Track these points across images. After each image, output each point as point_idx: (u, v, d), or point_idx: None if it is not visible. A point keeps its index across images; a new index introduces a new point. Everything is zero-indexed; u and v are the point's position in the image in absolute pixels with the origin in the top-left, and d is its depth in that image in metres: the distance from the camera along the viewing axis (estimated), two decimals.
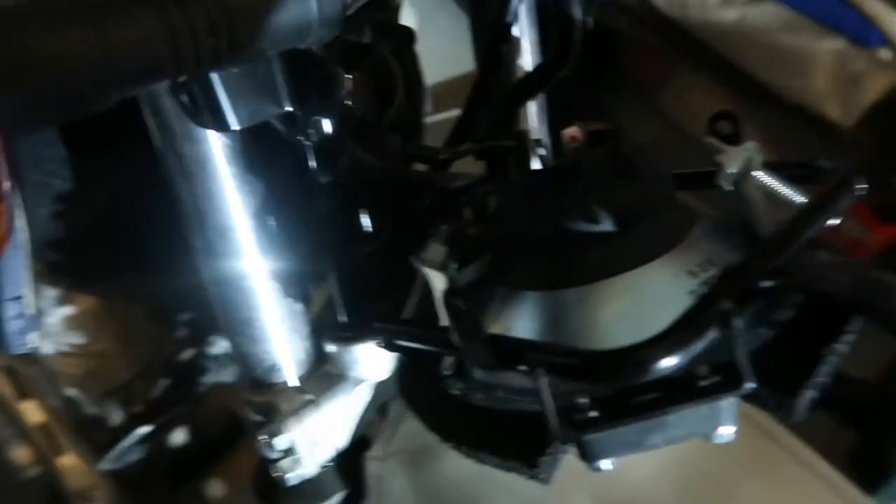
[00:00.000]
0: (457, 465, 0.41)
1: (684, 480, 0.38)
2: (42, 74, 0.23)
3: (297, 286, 0.44)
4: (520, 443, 0.32)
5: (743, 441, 0.40)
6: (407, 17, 0.58)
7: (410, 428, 0.44)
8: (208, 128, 0.37)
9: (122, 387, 0.72)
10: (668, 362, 0.27)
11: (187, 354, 0.72)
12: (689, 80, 1.33)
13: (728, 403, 0.28)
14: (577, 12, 0.42)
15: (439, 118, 0.79)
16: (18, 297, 0.46)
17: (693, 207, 0.38)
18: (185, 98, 0.34)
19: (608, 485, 0.39)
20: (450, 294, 0.32)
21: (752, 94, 1.22)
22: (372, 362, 0.44)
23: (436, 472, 0.41)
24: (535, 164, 0.49)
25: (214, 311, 0.49)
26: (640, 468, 0.38)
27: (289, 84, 0.34)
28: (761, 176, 0.36)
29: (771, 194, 0.37)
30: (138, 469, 0.80)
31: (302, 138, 0.37)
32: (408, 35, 0.37)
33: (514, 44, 0.50)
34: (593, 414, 0.28)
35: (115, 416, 0.73)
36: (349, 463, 0.46)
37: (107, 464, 0.72)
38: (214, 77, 0.32)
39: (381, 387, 0.45)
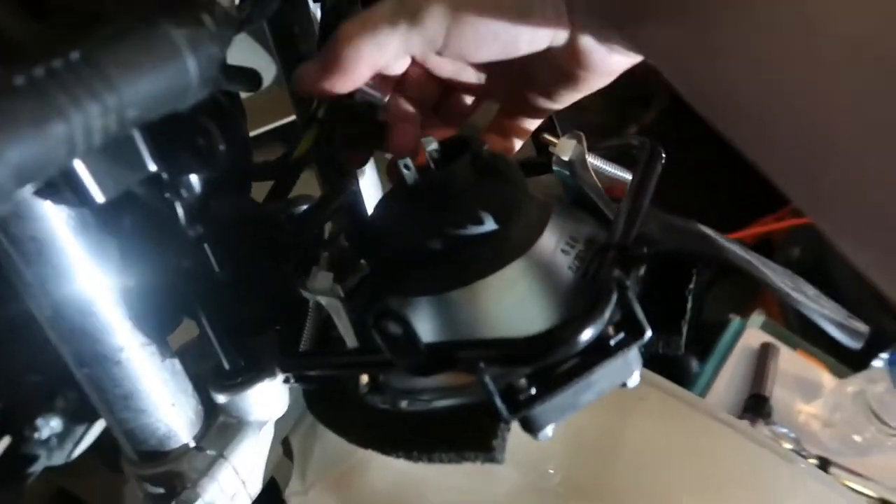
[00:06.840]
0: (379, 478, 0.43)
1: (579, 426, 0.44)
2: None
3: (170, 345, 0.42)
4: (467, 433, 0.34)
5: None
6: None
7: (321, 455, 0.45)
8: (70, 206, 0.34)
9: None
10: (590, 333, 0.32)
11: (4, 445, 0.64)
12: None
13: (634, 353, 0.33)
14: None
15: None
16: None
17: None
18: None
19: (521, 448, 0.43)
20: (377, 317, 0.33)
21: None
22: (268, 401, 0.44)
23: (360, 490, 0.43)
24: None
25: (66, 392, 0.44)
26: None
27: (154, 146, 0.33)
28: (591, 159, 0.42)
29: (598, 172, 0.44)
30: None
31: (171, 196, 0.36)
32: (255, 78, 0.37)
33: None
34: (532, 391, 0.32)
35: None
36: None
37: None
38: None
39: (279, 422, 0.45)
